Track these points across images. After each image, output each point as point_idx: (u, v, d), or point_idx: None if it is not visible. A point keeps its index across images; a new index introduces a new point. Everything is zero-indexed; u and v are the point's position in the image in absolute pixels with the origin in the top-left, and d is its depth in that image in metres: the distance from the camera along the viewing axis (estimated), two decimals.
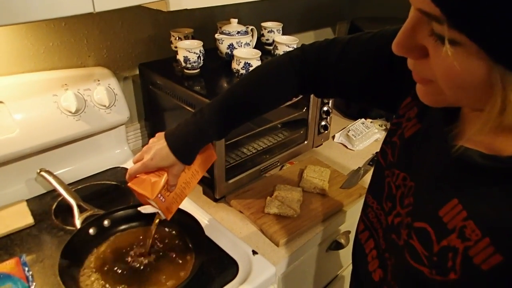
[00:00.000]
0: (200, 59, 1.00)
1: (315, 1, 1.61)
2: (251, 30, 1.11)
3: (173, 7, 0.81)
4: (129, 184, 0.71)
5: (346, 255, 0.82)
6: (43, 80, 0.93)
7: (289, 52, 0.72)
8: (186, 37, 1.10)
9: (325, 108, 1.17)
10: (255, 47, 1.09)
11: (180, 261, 0.77)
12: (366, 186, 1.06)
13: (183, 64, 0.99)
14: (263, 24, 1.21)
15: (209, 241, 0.83)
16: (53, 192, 0.95)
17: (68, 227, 0.86)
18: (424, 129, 0.53)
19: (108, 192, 0.99)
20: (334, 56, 0.66)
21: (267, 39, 1.20)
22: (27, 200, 0.93)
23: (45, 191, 0.97)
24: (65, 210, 0.90)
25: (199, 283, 0.74)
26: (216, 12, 1.26)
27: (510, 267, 0.38)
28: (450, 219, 0.44)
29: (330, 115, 1.20)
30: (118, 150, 1.11)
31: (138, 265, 0.76)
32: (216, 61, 1.10)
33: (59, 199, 0.93)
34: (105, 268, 0.75)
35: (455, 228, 0.43)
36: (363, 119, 1.38)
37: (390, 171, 0.57)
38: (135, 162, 0.72)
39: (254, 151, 1.10)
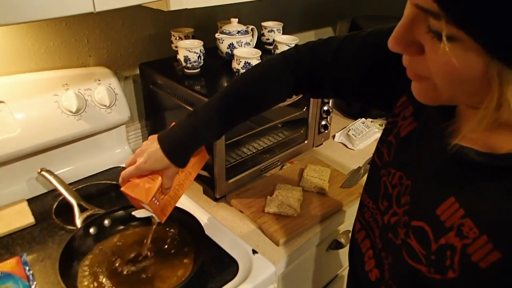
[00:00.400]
0: (201, 59, 1.00)
1: (316, 0, 1.61)
2: (252, 29, 1.11)
3: (173, 7, 0.81)
4: (122, 189, 0.69)
5: (346, 254, 0.82)
6: (44, 80, 0.94)
7: (284, 52, 0.72)
8: (187, 37, 1.10)
9: (325, 108, 1.17)
10: (255, 47, 1.09)
11: (180, 260, 0.77)
12: None
13: (184, 64, 1.00)
14: (264, 23, 1.21)
15: (209, 240, 0.83)
16: (53, 192, 0.95)
17: (69, 227, 0.86)
18: (420, 128, 0.52)
19: (109, 192, 0.99)
20: (329, 55, 0.65)
21: (268, 39, 1.20)
22: (28, 200, 0.93)
23: (45, 191, 0.98)
24: (65, 210, 0.90)
25: (199, 282, 0.74)
26: (217, 12, 1.26)
27: (509, 264, 0.38)
28: (448, 218, 0.44)
29: (331, 115, 1.20)
30: (118, 150, 1.11)
31: (139, 264, 0.76)
32: (217, 61, 1.10)
33: (60, 198, 0.94)
34: (106, 268, 0.75)
35: (453, 226, 0.43)
36: (363, 119, 1.38)
37: (386, 170, 0.57)
38: (128, 166, 0.70)
39: (254, 151, 1.10)
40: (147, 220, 0.82)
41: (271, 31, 1.20)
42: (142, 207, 0.74)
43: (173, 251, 0.80)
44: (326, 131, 1.22)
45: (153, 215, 0.74)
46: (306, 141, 1.18)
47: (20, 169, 0.93)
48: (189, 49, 0.98)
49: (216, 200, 1.00)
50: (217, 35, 1.06)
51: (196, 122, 0.68)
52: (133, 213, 0.76)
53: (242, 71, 0.95)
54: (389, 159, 0.58)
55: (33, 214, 0.89)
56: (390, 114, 0.60)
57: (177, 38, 1.10)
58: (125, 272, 0.74)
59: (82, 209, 0.87)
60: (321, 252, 1.02)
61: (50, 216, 0.90)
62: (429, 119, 0.51)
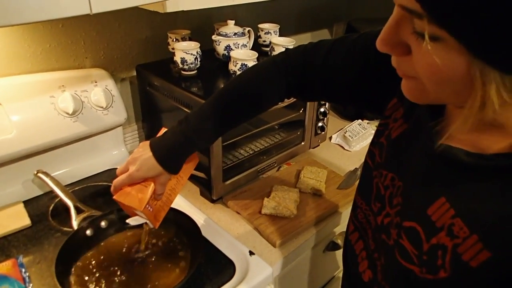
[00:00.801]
0: (197, 61, 1.00)
1: (312, 3, 1.62)
2: (248, 31, 1.11)
3: (170, 9, 0.81)
4: (115, 197, 0.70)
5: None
6: (40, 82, 0.93)
7: (274, 57, 0.72)
8: (183, 39, 1.11)
9: (322, 109, 1.18)
10: (252, 49, 1.09)
11: (177, 262, 0.77)
12: None
13: (180, 66, 1.00)
14: (260, 25, 1.22)
15: (206, 242, 0.83)
16: (50, 194, 0.95)
17: (65, 228, 0.86)
18: (411, 129, 0.53)
19: (105, 194, 0.98)
20: (319, 59, 0.65)
21: (264, 41, 1.21)
22: (24, 202, 0.93)
23: (42, 193, 0.97)
24: (62, 212, 0.90)
25: (196, 283, 0.74)
26: (213, 14, 1.26)
27: (498, 263, 0.39)
28: (439, 218, 0.44)
29: (327, 116, 1.20)
30: (115, 152, 1.11)
31: (135, 266, 0.76)
32: (213, 62, 1.10)
33: (56, 200, 0.93)
34: (102, 270, 0.75)
35: (444, 226, 0.43)
36: (359, 120, 1.38)
37: (378, 172, 0.58)
38: (119, 174, 0.70)
39: (251, 152, 1.10)
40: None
41: (268, 33, 1.20)
42: (136, 214, 0.74)
43: (169, 252, 0.79)
44: (323, 132, 1.23)
45: (147, 221, 0.74)
46: (302, 143, 1.19)
47: (16, 171, 0.93)
48: (186, 51, 0.98)
49: (213, 201, 1.00)
50: (214, 37, 1.07)
51: (187, 129, 0.68)
52: (127, 221, 0.76)
53: (239, 72, 0.95)
54: (380, 160, 0.58)
55: (30, 216, 0.89)
56: (381, 116, 0.60)
57: (174, 40, 1.10)
58: (121, 274, 0.74)
59: (78, 211, 0.87)
60: (317, 253, 1.02)
61: (47, 218, 0.90)
62: (419, 120, 0.52)
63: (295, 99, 1.03)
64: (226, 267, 0.79)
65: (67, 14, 0.60)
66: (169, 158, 0.68)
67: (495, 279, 0.40)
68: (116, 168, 1.07)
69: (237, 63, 0.94)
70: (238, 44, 1.06)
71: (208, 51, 1.09)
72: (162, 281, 0.73)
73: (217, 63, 1.10)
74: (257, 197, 0.99)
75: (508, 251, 0.38)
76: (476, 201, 0.41)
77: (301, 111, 1.15)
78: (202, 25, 1.24)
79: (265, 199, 0.96)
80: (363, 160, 1.19)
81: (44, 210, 0.92)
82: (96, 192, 1.00)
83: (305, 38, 1.68)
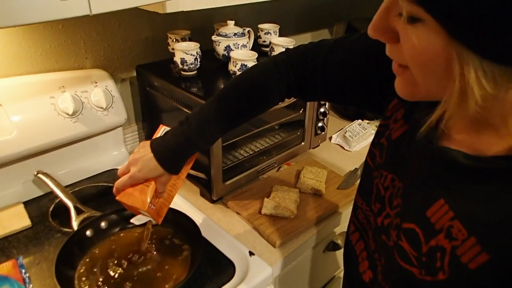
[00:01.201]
0: (197, 61, 1.01)
1: (312, 2, 1.62)
2: (248, 31, 1.11)
3: (170, 9, 0.81)
4: (117, 198, 0.70)
5: (342, 256, 0.83)
6: (41, 82, 0.93)
7: (274, 57, 0.72)
8: (183, 39, 1.11)
9: (322, 109, 1.18)
10: (252, 49, 1.09)
11: (177, 262, 0.77)
12: None
13: (180, 66, 1.00)
14: (260, 25, 1.22)
15: (206, 242, 0.83)
16: (50, 194, 0.95)
17: (65, 229, 0.86)
18: (411, 130, 0.53)
19: (105, 194, 0.99)
20: (320, 59, 0.65)
21: (264, 41, 1.21)
22: (24, 202, 0.93)
23: (42, 193, 0.97)
24: (62, 212, 0.90)
25: (196, 283, 0.74)
26: (213, 14, 1.26)
27: (497, 265, 0.39)
28: (438, 219, 0.44)
29: (327, 116, 1.20)
30: (115, 152, 1.11)
31: (135, 266, 0.76)
32: (213, 63, 1.10)
33: (56, 201, 0.93)
34: (102, 270, 0.75)
35: (443, 228, 0.43)
36: (360, 120, 1.38)
37: (378, 172, 0.58)
38: (120, 175, 0.71)
39: (251, 153, 1.10)
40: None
41: (268, 33, 1.20)
42: (139, 213, 0.74)
43: (170, 253, 0.79)
44: (323, 132, 1.23)
45: (151, 219, 0.74)
46: (302, 143, 1.19)
47: (16, 172, 0.93)
48: (186, 51, 0.98)
49: (213, 202, 1.00)
50: (213, 37, 1.07)
51: (188, 131, 0.68)
52: (131, 220, 0.77)
53: (238, 73, 0.95)
54: (381, 161, 0.58)
55: (30, 216, 0.89)
56: (382, 116, 0.60)
57: (174, 40, 1.10)
58: (122, 275, 0.74)
59: (78, 212, 0.87)
60: (318, 253, 1.02)
61: (47, 218, 0.90)
62: (418, 124, 0.51)
63: (295, 99, 1.03)
64: (226, 267, 0.79)
65: (67, 15, 0.60)
66: (170, 159, 0.69)
67: (494, 281, 0.39)
68: (117, 169, 1.08)
69: (237, 64, 0.94)
70: (238, 45, 1.06)
71: (208, 51, 1.10)
72: (162, 281, 0.73)
73: (217, 63, 1.10)
74: (257, 198, 0.99)
75: (506, 253, 0.38)
76: (475, 203, 0.41)
77: (301, 111, 1.15)
78: (202, 26, 1.24)
79: (265, 199, 0.96)
80: (363, 160, 1.19)
81: (44, 211, 0.92)
82: (96, 192, 1.00)
83: (305, 38, 1.68)
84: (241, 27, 1.09)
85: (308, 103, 1.13)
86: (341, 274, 1.22)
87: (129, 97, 1.18)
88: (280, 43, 1.06)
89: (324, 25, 1.75)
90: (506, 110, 0.38)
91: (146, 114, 1.18)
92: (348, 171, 1.15)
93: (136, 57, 1.15)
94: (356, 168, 1.15)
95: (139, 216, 0.76)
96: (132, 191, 0.69)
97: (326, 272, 1.16)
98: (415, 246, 0.47)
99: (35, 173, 0.93)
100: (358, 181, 1.08)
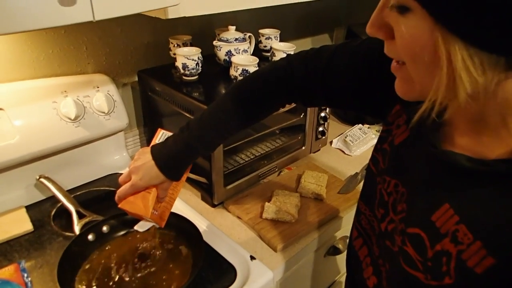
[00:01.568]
0: (199, 66, 1.01)
1: (312, 8, 1.63)
2: (249, 37, 1.12)
3: (171, 15, 0.82)
4: (120, 206, 0.71)
5: (343, 260, 0.83)
6: (43, 87, 0.94)
7: (275, 63, 0.72)
8: (185, 44, 1.11)
9: (322, 114, 1.18)
10: (253, 54, 1.10)
11: (178, 267, 0.78)
12: None
13: (182, 71, 1.00)
14: (261, 31, 1.23)
15: (207, 247, 0.84)
16: (52, 199, 0.96)
17: (67, 233, 0.87)
18: (413, 136, 0.53)
19: (107, 198, 0.99)
20: (321, 65, 0.66)
21: (265, 46, 1.22)
22: (26, 206, 0.94)
23: (44, 197, 0.98)
24: (63, 216, 0.91)
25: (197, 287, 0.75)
26: (214, 19, 1.27)
27: (503, 269, 0.39)
28: (443, 224, 0.44)
29: (328, 121, 1.21)
30: (117, 156, 1.12)
31: (137, 270, 0.76)
32: (214, 68, 1.11)
33: (58, 205, 0.94)
34: (104, 274, 0.75)
35: (448, 233, 0.44)
36: (360, 125, 1.39)
37: (381, 178, 0.58)
38: (122, 183, 0.71)
39: (252, 157, 1.10)
40: None
41: (269, 38, 1.21)
42: (142, 219, 0.75)
43: (171, 257, 0.80)
44: (323, 137, 1.23)
45: (154, 224, 0.75)
46: (303, 147, 1.19)
47: (18, 176, 0.94)
48: (187, 57, 0.99)
49: (214, 206, 1.00)
50: (215, 43, 1.08)
51: (189, 137, 0.68)
52: (135, 228, 0.77)
53: (239, 78, 0.95)
54: (384, 166, 0.58)
55: (32, 220, 0.89)
56: (384, 122, 0.61)
57: (175, 45, 1.11)
58: (123, 279, 0.74)
59: (80, 216, 0.88)
60: (318, 258, 1.02)
61: (49, 223, 0.90)
62: (421, 130, 0.52)
63: (294, 105, 1.04)
64: (227, 271, 0.79)
65: (70, 21, 0.61)
66: (171, 167, 0.69)
67: (501, 285, 0.40)
68: (118, 173, 1.09)
69: (238, 69, 0.95)
70: (239, 50, 1.06)
71: (209, 56, 1.10)
72: (164, 286, 0.74)
73: (218, 68, 1.11)
74: (258, 202, 1.00)
75: None
76: (479, 207, 0.42)
77: (301, 116, 1.16)
78: (203, 31, 1.25)
79: (266, 203, 0.96)
80: (363, 164, 1.20)
81: (46, 215, 0.92)
82: (98, 197, 1.00)
83: (306, 43, 1.69)
84: (242, 32, 1.10)
85: (308, 108, 1.13)
86: (342, 279, 1.22)
87: (130, 101, 1.19)
88: (281, 48, 1.07)
89: (324, 30, 1.76)
90: (504, 109, 0.39)
91: (147, 119, 1.18)
92: (349, 176, 1.15)
93: (138, 62, 1.15)
94: (356, 173, 1.15)
95: (141, 222, 0.77)
96: (134, 199, 0.70)
97: (327, 277, 1.16)
98: (420, 251, 0.47)
99: (37, 177, 0.93)
100: (359, 186, 1.09)
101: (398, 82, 0.45)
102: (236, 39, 1.07)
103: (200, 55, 1.01)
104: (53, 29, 0.97)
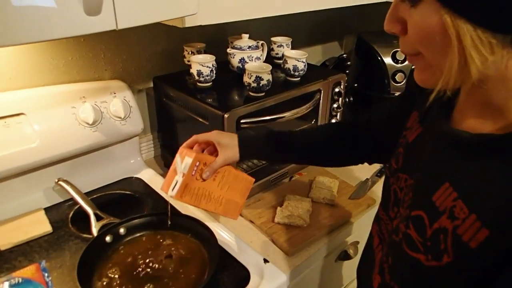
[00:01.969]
0: (213, 73, 1.04)
1: (323, 16, 1.65)
2: (262, 44, 1.14)
3: (188, 24, 0.84)
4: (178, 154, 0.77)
5: (354, 266, 0.84)
6: (63, 93, 0.97)
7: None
8: (199, 52, 1.14)
9: (333, 121, 1.20)
10: (265, 61, 1.12)
11: (194, 269, 0.79)
12: (374, 197, 1.08)
13: (197, 78, 1.03)
14: (273, 38, 1.25)
15: (221, 249, 0.85)
16: (69, 201, 0.98)
17: (85, 235, 0.89)
18: (425, 131, 0.56)
19: (123, 201, 1.02)
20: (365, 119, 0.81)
21: (277, 53, 1.24)
22: (45, 208, 0.96)
23: (62, 200, 1.00)
24: (80, 219, 0.93)
25: None
26: (227, 27, 1.30)
27: (496, 241, 0.40)
28: (442, 202, 0.46)
29: None
30: (132, 161, 1.14)
31: (153, 272, 0.78)
32: (228, 74, 1.13)
33: (76, 207, 0.96)
34: (121, 275, 0.77)
35: (446, 210, 0.45)
36: None
37: (395, 177, 0.60)
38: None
39: (264, 162, 1.12)
40: (161, 229, 0.85)
41: (280, 46, 1.23)
42: (174, 176, 0.76)
43: (186, 259, 0.81)
44: None
45: (176, 189, 0.75)
46: None
47: (38, 179, 0.96)
48: (202, 64, 1.01)
49: None
50: (228, 50, 1.10)
51: (273, 134, 0.83)
52: (167, 193, 0.77)
53: (253, 85, 0.98)
54: (396, 166, 0.61)
55: (50, 222, 0.92)
56: (403, 130, 0.64)
57: (190, 52, 1.14)
58: (140, 279, 0.76)
59: (98, 218, 0.90)
60: (329, 262, 1.03)
61: (66, 224, 0.93)
62: (432, 122, 0.55)
63: (307, 110, 1.06)
64: (241, 274, 0.81)
65: (95, 30, 0.64)
66: (247, 138, 0.80)
67: (495, 261, 0.40)
68: (133, 177, 1.11)
69: (251, 75, 0.97)
70: (252, 57, 1.09)
71: (221, 63, 1.13)
72: (180, 287, 0.75)
73: (231, 75, 1.13)
74: (270, 206, 1.01)
75: (505, 228, 0.40)
76: (476, 180, 0.44)
77: (312, 122, 1.17)
78: (215, 38, 1.28)
79: (278, 208, 0.98)
80: (373, 171, 1.21)
81: (64, 217, 0.95)
82: (114, 199, 1.02)
83: (316, 51, 1.71)
84: (255, 40, 1.13)
85: (319, 114, 1.15)
86: (352, 285, 1.22)
87: (145, 107, 1.21)
88: (293, 56, 1.09)
89: (334, 38, 1.78)
90: (509, 89, 0.41)
91: (161, 124, 1.21)
92: (359, 182, 1.16)
93: (153, 69, 1.18)
94: (367, 179, 1.16)
95: (172, 186, 0.76)
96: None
97: (338, 281, 1.17)
98: (420, 231, 0.48)
99: (56, 180, 0.96)
100: (369, 191, 1.10)
101: (416, 72, 0.47)
102: (249, 47, 1.09)
103: (214, 62, 1.04)
104: (74, 37, 1.00)
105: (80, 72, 1.05)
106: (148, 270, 0.78)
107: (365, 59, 1.44)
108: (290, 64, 1.09)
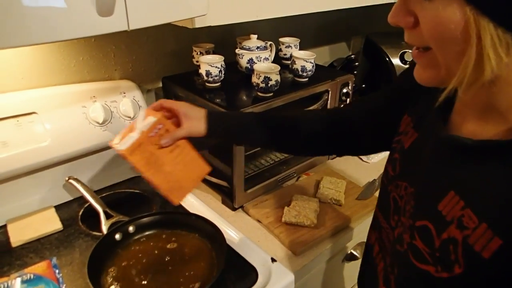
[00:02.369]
0: (222, 73, 1.04)
1: (330, 17, 1.65)
2: (270, 45, 1.15)
3: (198, 24, 0.85)
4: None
5: None
6: (73, 92, 0.99)
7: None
8: (207, 52, 1.15)
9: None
10: (273, 62, 1.13)
11: (202, 268, 0.80)
12: None
13: (205, 78, 1.04)
14: (281, 39, 1.26)
15: (229, 248, 0.86)
16: (79, 199, 0.99)
17: (94, 233, 0.90)
18: (421, 137, 0.55)
19: (132, 200, 1.03)
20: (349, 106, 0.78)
21: (285, 54, 1.24)
22: (55, 206, 0.98)
23: (71, 198, 1.02)
24: (90, 216, 0.94)
25: None
26: (236, 28, 1.31)
27: (511, 249, 0.39)
28: (449, 211, 0.45)
29: None
30: None
31: (161, 269, 0.79)
32: (236, 75, 1.14)
33: (86, 205, 0.98)
34: (130, 272, 0.78)
35: (453, 219, 0.44)
36: None
37: (394, 184, 0.59)
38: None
39: (271, 162, 1.13)
40: (170, 226, 0.86)
41: (289, 46, 1.24)
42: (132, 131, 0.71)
43: (194, 258, 0.82)
44: None
45: (128, 143, 0.69)
46: None
47: (48, 177, 0.98)
48: (211, 64, 1.02)
49: (234, 209, 1.02)
50: (237, 51, 1.11)
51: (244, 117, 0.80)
52: (113, 146, 0.71)
53: (261, 85, 0.98)
54: (394, 173, 0.60)
55: (60, 220, 0.93)
56: (396, 134, 0.63)
57: (198, 53, 1.15)
58: (148, 277, 0.77)
59: (108, 216, 0.91)
60: (336, 263, 1.04)
61: (77, 222, 0.94)
62: (428, 126, 0.54)
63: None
64: (248, 273, 0.81)
65: (107, 31, 0.65)
66: (217, 114, 0.78)
67: (509, 270, 0.39)
68: (141, 176, 1.12)
69: (260, 76, 0.98)
70: (261, 58, 1.09)
71: (230, 63, 1.13)
72: (188, 285, 0.76)
73: (240, 75, 1.14)
74: (278, 206, 1.02)
75: None
76: (483, 187, 0.43)
77: None
78: (223, 39, 1.28)
79: (286, 208, 0.98)
80: (381, 171, 1.20)
81: (74, 215, 0.96)
82: (123, 198, 1.04)
83: (324, 52, 1.71)
84: (263, 41, 1.13)
85: None
86: None
87: None
88: (302, 56, 1.09)
89: (342, 39, 1.79)
90: None
91: None
92: (367, 182, 1.16)
93: (162, 69, 1.19)
94: (374, 179, 1.16)
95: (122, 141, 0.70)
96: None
97: (344, 282, 1.17)
98: (428, 242, 0.47)
99: (67, 178, 0.97)
100: (377, 192, 1.10)
101: (419, 69, 0.46)
102: (257, 48, 1.10)
103: (223, 63, 1.05)
104: (85, 37, 1.01)
105: (90, 72, 1.06)
106: (156, 268, 0.79)
107: (373, 60, 1.44)
108: (298, 65, 1.10)
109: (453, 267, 0.44)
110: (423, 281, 0.48)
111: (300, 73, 1.10)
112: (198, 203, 1.02)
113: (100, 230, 0.89)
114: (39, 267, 0.75)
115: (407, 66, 1.33)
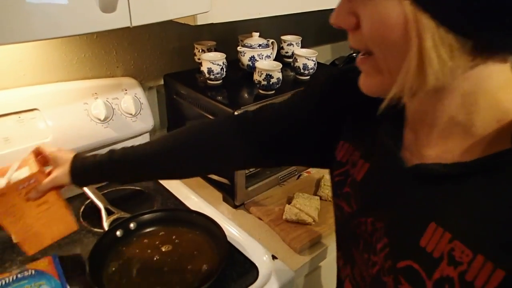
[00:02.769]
0: (223, 71, 1.04)
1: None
2: (272, 43, 1.15)
3: (200, 22, 0.85)
4: None
5: None
6: (75, 89, 0.99)
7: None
8: (209, 49, 1.15)
9: None
10: (274, 59, 1.13)
11: (202, 264, 0.80)
12: None
13: (207, 75, 1.04)
14: (283, 37, 1.26)
15: (230, 245, 0.86)
16: (80, 196, 0.99)
17: (95, 229, 0.90)
18: (374, 166, 0.50)
19: (133, 197, 1.03)
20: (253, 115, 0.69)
21: (287, 52, 1.24)
22: None
23: (73, 194, 1.02)
24: (91, 213, 0.94)
25: (221, 285, 0.77)
26: (237, 26, 1.30)
27: None
28: (435, 247, 0.39)
29: None
30: None
31: (162, 266, 0.79)
32: (238, 72, 1.14)
33: (87, 202, 0.98)
34: (131, 268, 0.78)
35: (443, 255, 0.38)
36: None
37: (355, 223, 0.52)
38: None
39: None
40: (171, 223, 0.86)
41: (290, 44, 1.24)
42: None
43: (195, 256, 0.82)
44: None
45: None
46: None
47: None
48: (212, 61, 1.02)
49: (235, 207, 1.03)
50: (239, 48, 1.11)
51: (106, 158, 0.69)
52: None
53: (263, 82, 0.98)
54: (351, 210, 0.53)
55: None
56: (336, 165, 0.57)
57: (200, 50, 1.15)
58: (149, 273, 0.77)
59: (109, 213, 0.91)
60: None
61: (78, 219, 0.94)
62: (380, 154, 0.49)
63: None
64: (249, 270, 0.81)
65: (109, 27, 0.65)
66: (81, 162, 0.69)
67: None
68: None
69: (262, 73, 0.98)
70: (262, 55, 1.09)
71: (231, 61, 1.13)
72: (188, 283, 0.76)
73: (241, 73, 1.14)
74: (279, 204, 1.02)
75: None
76: (467, 214, 0.38)
77: None
78: (225, 36, 1.28)
79: (287, 205, 0.98)
80: None
81: (75, 212, 0.96)
82: (124, 195, 1.03)
83: (325, 50, 1.71)
84: (265, 39, 1.13)
85: None
86: None
87: (155, 104, 1.22)
88: (304, 55, 1.09)
89: (343, 37, 1.77)
90: (470, 106, 0.37)
91: (171, 121, 1.22)
92: None
93: (164, 66, 1.20)
94: None
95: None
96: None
97: None
98: (417, 285, 0.40)
99: None
100: None
101: (363, 77, 0.42)
102: (259, 45, 1.10)
103: (225, 60, 1.05)
104: (87, 34, 1.01)
105: (92, 69, 1.06)
106: (158, 264, 0.79)
107: None
108: (300, 63, 1.10)
109: None
110: None
111: (302, 71, 1.10)
112: (199, 201, 1.02)
113: (101, 226, 0.89)
114: (41, 263, 0.75)
115: None
